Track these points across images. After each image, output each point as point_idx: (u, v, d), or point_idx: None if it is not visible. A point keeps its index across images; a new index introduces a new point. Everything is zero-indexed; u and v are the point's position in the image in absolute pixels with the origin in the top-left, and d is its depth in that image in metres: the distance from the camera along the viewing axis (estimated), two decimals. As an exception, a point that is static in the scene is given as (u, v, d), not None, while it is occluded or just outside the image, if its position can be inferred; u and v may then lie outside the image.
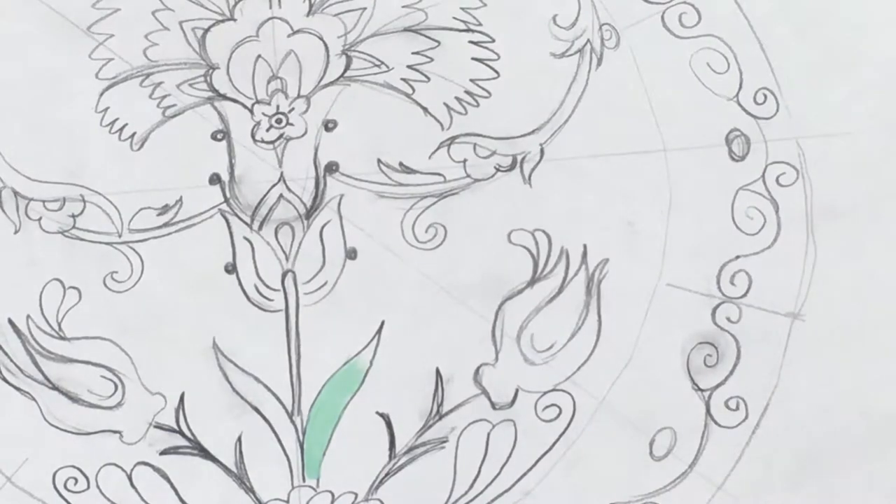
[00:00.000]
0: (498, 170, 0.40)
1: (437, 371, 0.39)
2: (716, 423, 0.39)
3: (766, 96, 0.41)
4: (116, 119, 0.41)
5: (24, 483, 0.37)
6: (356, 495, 0.37)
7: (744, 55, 0.42)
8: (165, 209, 0.40)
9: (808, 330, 0.40)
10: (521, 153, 0.40)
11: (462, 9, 0.42)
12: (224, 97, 0.41)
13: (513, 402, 0.38)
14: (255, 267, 0.40)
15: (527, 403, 0.38)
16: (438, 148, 0.40)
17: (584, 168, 0.40)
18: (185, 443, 0.38)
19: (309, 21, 0.42)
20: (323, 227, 0.40)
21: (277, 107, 0.41)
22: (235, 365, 0.38)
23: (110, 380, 0.38)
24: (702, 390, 0.39)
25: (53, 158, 0.41)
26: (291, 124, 0.41)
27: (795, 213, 0.40)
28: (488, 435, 0.38)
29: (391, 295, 0.39)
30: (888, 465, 0.40)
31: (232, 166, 0.41)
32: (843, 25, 0.43)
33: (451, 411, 0.38)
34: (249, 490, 0.37)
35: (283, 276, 0.39)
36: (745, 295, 0.40)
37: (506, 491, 0.37)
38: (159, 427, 0.38)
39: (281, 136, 0.41)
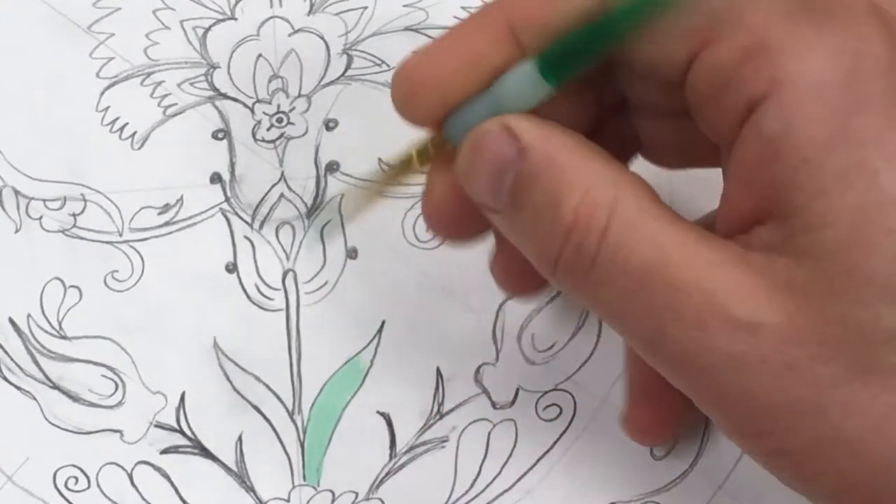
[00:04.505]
0: (499, 169, 0.40)
1: (438, 370, 0.38)
2: (717, 422, 0.39)
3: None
4: (117, 118, 0.41)
5: (24, 482, 0.37)
6: (356, 494, 0.37)
7: (744, 55, 0.42)
8: (166, 208, 0.40)
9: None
10: (522, 152, 0.40)
11: (462, 8, 0.42)
12: (225, 96, 0.41)
13: (513, 401, 0.38)
14: (256, 266, 0.40)
15: (527, 403, 0.38)
16: (439, 147, 0.40)
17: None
18: (185, 442, 0.38)
19: (310, 20, 0.42)
20: (324, 227, 0.40)
21: (278, 106, 0.41)
22: (236, 364, 0.38)
23: (111, 379, 0.38)
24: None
25: (54, 157, 0.41)
26: (292, 123, 0.41)
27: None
28: (489, 434, 0.38)
29: (392, 294, 0.39)
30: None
31: (233, 165, 0.41)
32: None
33: (451, 410, 0.38)
34: (250, 489, 0.37)
35: (284, 275, 0.39)
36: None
37: (506, 490, 0.37)
38: (160, 426, 0.38)
39: (282, 135, 0.41)
